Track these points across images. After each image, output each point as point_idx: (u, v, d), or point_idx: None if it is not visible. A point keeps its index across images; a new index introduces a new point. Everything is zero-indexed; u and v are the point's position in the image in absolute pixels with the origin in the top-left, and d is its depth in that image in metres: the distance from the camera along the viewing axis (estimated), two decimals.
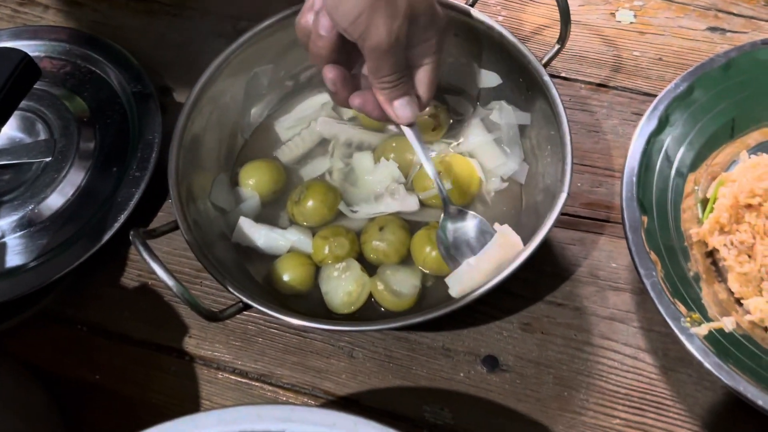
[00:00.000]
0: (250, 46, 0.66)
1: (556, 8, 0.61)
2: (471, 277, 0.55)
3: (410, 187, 0.65)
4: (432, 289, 0.62)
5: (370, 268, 0.62)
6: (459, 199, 0.64)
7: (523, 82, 0.63)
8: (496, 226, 0.57)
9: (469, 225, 0.60)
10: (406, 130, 0.56)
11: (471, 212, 0.60)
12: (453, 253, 0.59)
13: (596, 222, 0.66)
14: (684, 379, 0.59)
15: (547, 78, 0.60)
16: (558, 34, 0.62)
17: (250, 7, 0.80)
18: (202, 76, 0.63)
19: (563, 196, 0.55)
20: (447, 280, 0.56)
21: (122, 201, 0.67)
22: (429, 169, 0.58)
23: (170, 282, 0.50)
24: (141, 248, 0.51)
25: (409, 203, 0.64)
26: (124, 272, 0.67)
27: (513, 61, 0.63)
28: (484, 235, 0.59)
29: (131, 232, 0.52)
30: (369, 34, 0.48)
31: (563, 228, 0.66)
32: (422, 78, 0.54)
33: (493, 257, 0.55)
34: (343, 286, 0.60)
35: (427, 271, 0.62)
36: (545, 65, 0.61)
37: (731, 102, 0.67)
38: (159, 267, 0.50)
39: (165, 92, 0.76)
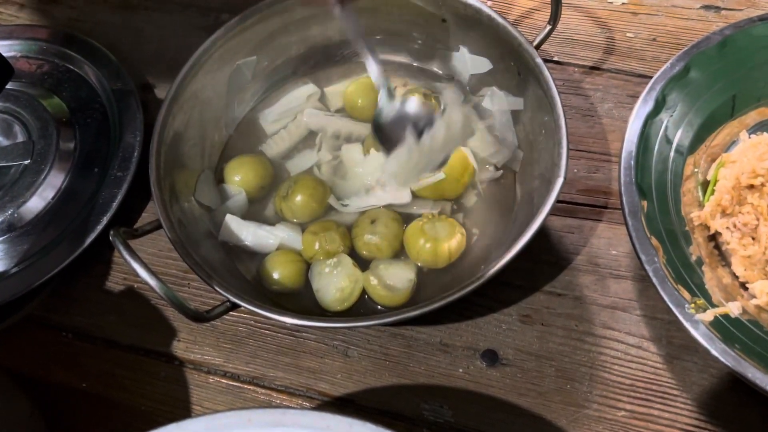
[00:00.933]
0: (231, 38, 0.64)
1: None
2: (411, 157, 0.53)
3: None
4: (427, 283, 0.60)
5: (363, 263, 0.60)
6: (452, 190, 0.62)
7: (515, 66, 0.61)
8: (448, 93, 0.54)
9: (412, 105, 0.57)
10: (337, 11, 0.52)
11: (414, 96, 0.57)
12: (392, 132, 0.56)
13: (594, 209, 0.64)
14: (689, 367, 0.57)
15: (539, 60, 0.58)
16: (549, 14, 0.60)
17: None
18: (181, 72, 0.61)
19: (560, 181, 0.53)
20: (386, 162, 0.53)
21: (104, 202, 0.65)
22: (370, 62, 0.55)
23: (153, 282, 0.48)
24: (121, 248, 0.48)
25: (401, 195, 0.62)
26: (110, 275, 0.65)
27: (503, 44, 0.61)
28: (429, 115, 0.56)
29: (111, 232, 0.50)
30: None
31: (560, 216, 0.64)
32: None
33: (439, 136, 0.53)
34: (335, 283, 0.58)
35: (421, 264, 0.60)
36: (537, 47, 0.59)
37: (729, 81, 0.65)
38: (140, 267, 0.48)
39: (146, 89, 0.74)
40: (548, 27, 0.60)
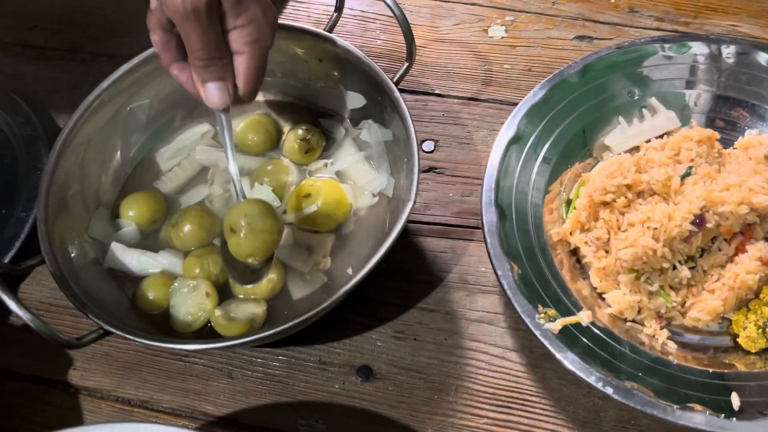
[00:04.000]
0: (123, 83, 0.68)
1: (434, 29, 0.64)
2: None
3: (284, 209, 0.67)
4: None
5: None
6: (325, 224, 0.66)
7: (382, 101, 0.66)
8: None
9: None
10: (218, 115, 0.58)
11: None
12: None
13: (466, 229, 0.69)
14: (549, 374, 0.61)
15: (397, 95, 0.62)
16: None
17: (140, 47, 0.83)
18: (72, 117, 0.65)
19: (410, 204, 0.57)
20: None
21: (8, 241, 0.69)
22: (231, 165, 0.60)
23: (24, 315, 0.52)
24: None
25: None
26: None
27: (371, 81, 0.65)
28: None
29: None
30: None
31: (436, 237, 0.69)
32: (240, 67, 0.54)
33: None
34: (186, 306, 0.61)
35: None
36: (396, 83, 0.64)
37: (589, 106, 0.70)
38: (13, 302, 0.52)
39: (57, 134, 0.77)
40: (405, 65, 0.65)
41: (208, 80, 0.54)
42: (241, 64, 0.54)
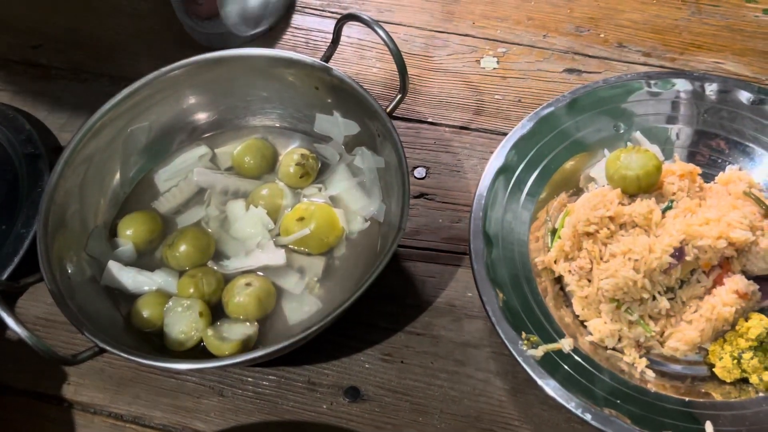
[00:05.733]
0: (124, 106, 0.70)
1: (428, 59, 0.66)
2: None
3: (278, 232, 0.69)
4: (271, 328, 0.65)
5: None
6: (317, 247, 0.68)
7: (375, 129, 0.68)
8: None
9: None
10: None
11: None
12: None
13: (455, 255, 0.71)
14: (531, 400, 0.63)
15: (390, 125, 0.65)
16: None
17: (142, 69, 0.85)
18: (73, 137, 0.67)
19: (400, 232, 0.59)
20: None
21: (7, 257, 0.70)
22: None
23: (21, 331, 0.53)
24: None
25: (276, 257, 0.67)
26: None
27: (365, 110, 0.68)
28: None
29: None
30: None
31: (425, 262, 0.70)
32: None
33: None
34: (179, 324, 0.63)
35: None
36: (390, 113, 0.66)
37: (575, 138, 0.72)
38: (11, 320, 0.53)
39: (58, 152, 0.80)
40: (399, 96, 0.68)
41: None
42: None
